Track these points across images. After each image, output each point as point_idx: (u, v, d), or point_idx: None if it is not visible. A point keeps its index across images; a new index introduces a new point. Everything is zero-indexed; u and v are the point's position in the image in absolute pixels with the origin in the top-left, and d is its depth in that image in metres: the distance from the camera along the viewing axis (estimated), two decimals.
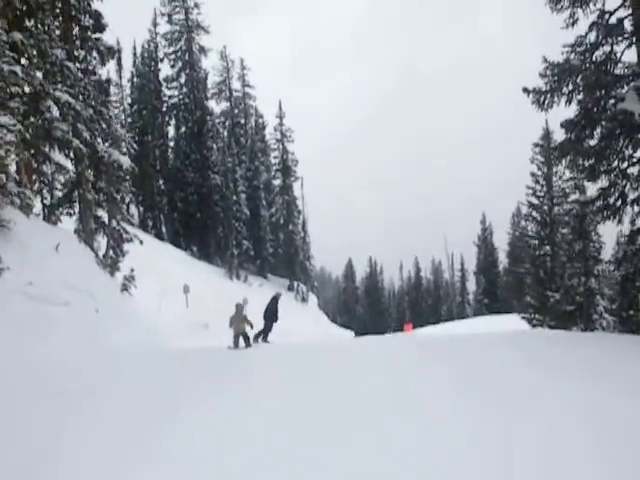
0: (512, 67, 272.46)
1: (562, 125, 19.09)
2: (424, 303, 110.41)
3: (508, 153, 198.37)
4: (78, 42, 25.01)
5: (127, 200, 58.53)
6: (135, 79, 60.59)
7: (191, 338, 30.53)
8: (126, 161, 25.87)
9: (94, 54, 25.47)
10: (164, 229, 59.92)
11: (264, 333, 23.17)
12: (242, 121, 75.11)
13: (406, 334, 50.67)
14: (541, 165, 38.26)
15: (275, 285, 64.43)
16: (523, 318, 37.98)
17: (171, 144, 63.04)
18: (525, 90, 18.38)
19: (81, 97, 24.37)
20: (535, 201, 39.05)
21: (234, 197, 58.59)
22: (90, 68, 25.42)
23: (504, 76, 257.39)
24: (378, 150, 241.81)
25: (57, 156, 24.06)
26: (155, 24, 60.86)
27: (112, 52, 25.94)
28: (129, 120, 60.00)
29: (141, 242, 27.02)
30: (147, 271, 38.26)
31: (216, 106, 72.72)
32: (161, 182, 59.75)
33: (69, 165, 24.71)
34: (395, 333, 63.53)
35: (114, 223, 25.94)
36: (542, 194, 38.59)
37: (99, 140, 25.26)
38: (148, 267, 39.57)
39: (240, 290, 51.31)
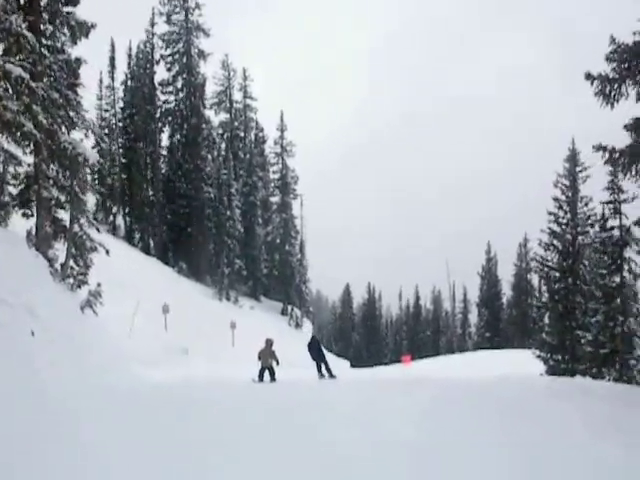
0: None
1: (628, 127, 15.32)
2: (422, 334, 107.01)
3: (517, 182, 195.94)
4: (46, 15, 21.19)
5: (114, 210, 56.08)
6: (129, 82, 56.60)
7: (167, 366, 26.72)
8: (93, 155, 21.82)
9: (64, 30, 21.64)
10: (152, 243, 55.74)
11: (328, 370, 22.38)
12: (242, 134, 71.47)
13: (404, 366, 50.02)
14: (565, 189, 34.32)
15: (267, 308, 60.53)
16: (538, 357, 33.93)
17: (164, 153, 58.89)
18: (589, 76, 14.58)
19: (46, 79, 20.48)
20: (557, 228, 35.13)
21: (228, 212, 54.80)
22: (59, 45, 21.59)
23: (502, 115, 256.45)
24: (381, 174, 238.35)
25: (12, 146, 20.12)
26: (153, 24, 56.83)
27: (85, 28, 21.91)
28: (120, 125, 56.04)
29: (107, 252, 22.92)
30: (124, 288, 34.68)
31: (215, 117, 69.39)
32: (151, 192, 55.47)
33: (27, 158, 20.72)
34: (393, 365, 60.33)
35: (76, 228, 21.83)
36: (565, 221, 34.68)
37: (63, 129, 21.18)
38: (125, 283, 35.91)
39: (229, 312, 47.51)
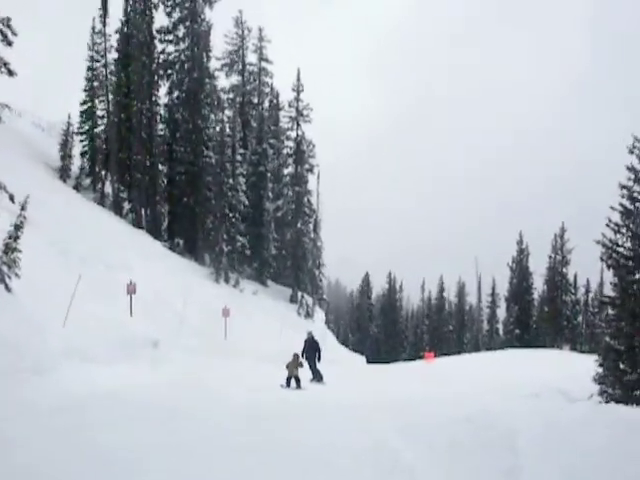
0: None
1: None
2: (445, 328, 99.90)
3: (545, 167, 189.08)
4: None
5: (103, 176, 48.74)
6: (125, 29, 48.53)
7: (122, 365, 19.25)
8: None
9: None
10: (144, 214, 48.19)
11: (315, 376, 23.79)
12: (255, 100, 63.87)
13: (427, 363, 46.42)
14: None
15: (274, 294, 53.12)
16: (601, 366, 26.46)
17: (162, 112, 51.04)
18: None
19: None
20: (631, 206, 27.52)
21: (231, 180, 47.29)
22: None
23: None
24: (404, 162, 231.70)
25: None
26: None
27: None
28: (113, 79, 48.26)
29: (11, 198, 15.66)
30: (85, 262, 27.57)
31: (225, 79, 62.09)
32: (145, 156, 47.75)
33: None
34: (413, 361, 55.73)
35: None
36: None
37: None
38: (87, 257, 28.74)
39: (225, 297, 40.07)
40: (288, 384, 21.23)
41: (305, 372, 23.06)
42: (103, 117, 47.74)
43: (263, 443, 9.94)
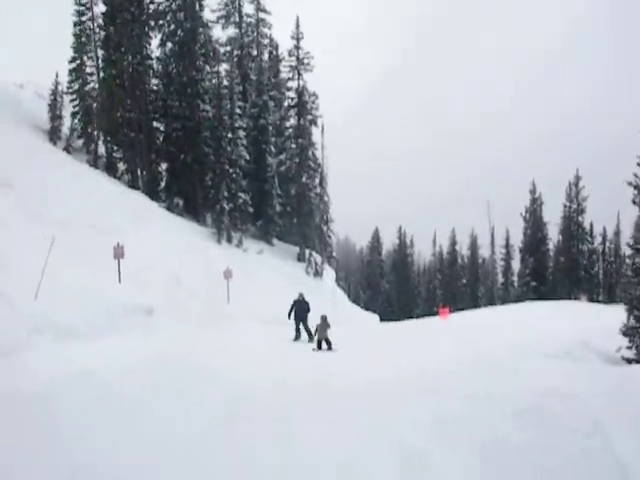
0: None
1: None
2: (459, 282, 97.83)
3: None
4: None
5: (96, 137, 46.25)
6: None
7: (111, 337, 17.19)
8: None
9: None
10: (140, 174, 45.66)
11: (310, 337, 23.52)
12: (254, 52, 60.83)
13: (442, 319, 43.77)
14: None
15: (281, 253, 50.83)
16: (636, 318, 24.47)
17: (154, 67, 48.10)
18: None
19: None
20: None
21: (230, 134, 44.62)
22: None
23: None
24: (405, 116, 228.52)
25: None
26: None
27: None
28: (101, 33, 45.22)
29: None
30: (70, 227, 25.41)
31: (222, 32, 59.21)
32: (138, 113, 45.08)
33: None
34: (427, 318, 53.06)
35: None
36: None
37: None
38: (74, 221, 26.52)
39: (228, 257, 37.83)
40: (320, 347, 21.43)
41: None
42: (92, 74, 45.17)
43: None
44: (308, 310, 24.46)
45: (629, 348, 28.28)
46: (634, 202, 27.86)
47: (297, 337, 24.11)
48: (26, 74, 63.72)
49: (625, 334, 28.09)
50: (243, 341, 21.28)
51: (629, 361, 26.40)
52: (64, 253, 20.63)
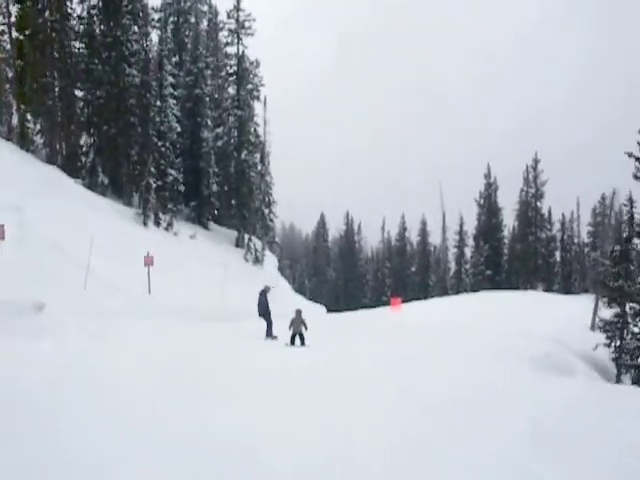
0: None
1: None
2: (409, 271, 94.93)
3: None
4: None
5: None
6: None
7: None
8: None
9: None
10: (59, 148, 40.42)
11: (268, 329, 21.59)
12: (192, 20, 55.55)
13: (394, 310, 43.10)
14: None
15: (217, 238, 46.10)
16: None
17: (76, 28, 42.81)
18: None
19: None
20: None
21: (158, 102, 39.68)
22: None
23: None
24: (356, 96, 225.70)
25: None
26: None
27: None
28: None
29: None
30: None
31: None
32: (55, 78, 39.90)
33: None
34: (378, 308, 51.17)
35: None
36: None
37: None
38: None
39: (153, 242, 32.98)
40: (293, 342, 20.31)
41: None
42: (3, 33, 39.71)
43: None
44: (265, 305, 21.71)
45: (607, 346, 27.19)
46: (635, 176, 26.03)
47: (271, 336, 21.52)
48: None
49: (604, 330, 27.93)
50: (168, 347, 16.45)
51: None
52: None
